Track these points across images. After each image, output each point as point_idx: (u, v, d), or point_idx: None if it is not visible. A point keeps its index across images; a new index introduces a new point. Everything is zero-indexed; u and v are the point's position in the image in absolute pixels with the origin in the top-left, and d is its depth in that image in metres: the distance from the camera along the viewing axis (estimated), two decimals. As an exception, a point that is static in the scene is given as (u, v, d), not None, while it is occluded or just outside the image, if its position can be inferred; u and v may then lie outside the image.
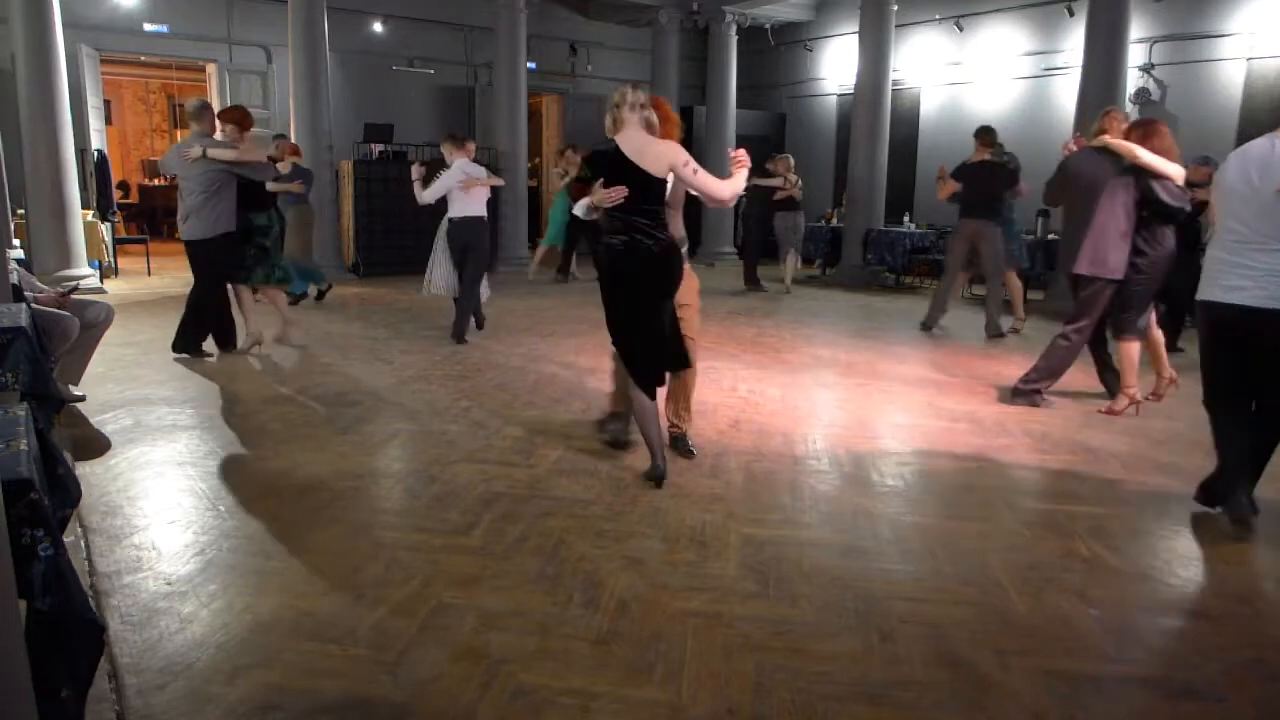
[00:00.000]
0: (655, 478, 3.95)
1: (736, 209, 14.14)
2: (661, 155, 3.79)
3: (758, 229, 11.00)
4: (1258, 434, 3.57)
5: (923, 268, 11.62)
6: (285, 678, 2.39)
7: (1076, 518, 3.67)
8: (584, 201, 4.03)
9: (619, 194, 3.76)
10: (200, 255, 6.28)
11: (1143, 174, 5.00)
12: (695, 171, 3.82)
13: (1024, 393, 5.53)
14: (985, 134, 8.11)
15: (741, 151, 4.02)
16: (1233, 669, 2.55)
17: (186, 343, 6.45)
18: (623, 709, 2.28)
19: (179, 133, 16.18)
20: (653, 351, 3.97)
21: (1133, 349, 5.32)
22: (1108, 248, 5.11)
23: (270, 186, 7.63)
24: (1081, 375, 6.39)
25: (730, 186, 3.93)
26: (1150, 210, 5.11)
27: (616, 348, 4.13)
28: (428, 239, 7.50)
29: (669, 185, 3.94)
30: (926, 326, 8.39)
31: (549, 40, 14.13)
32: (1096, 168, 5.17)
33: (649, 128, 3.88)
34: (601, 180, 3.86)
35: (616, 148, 3.84)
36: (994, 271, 8.10)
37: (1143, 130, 5.08)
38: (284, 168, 8.60)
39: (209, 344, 6.54)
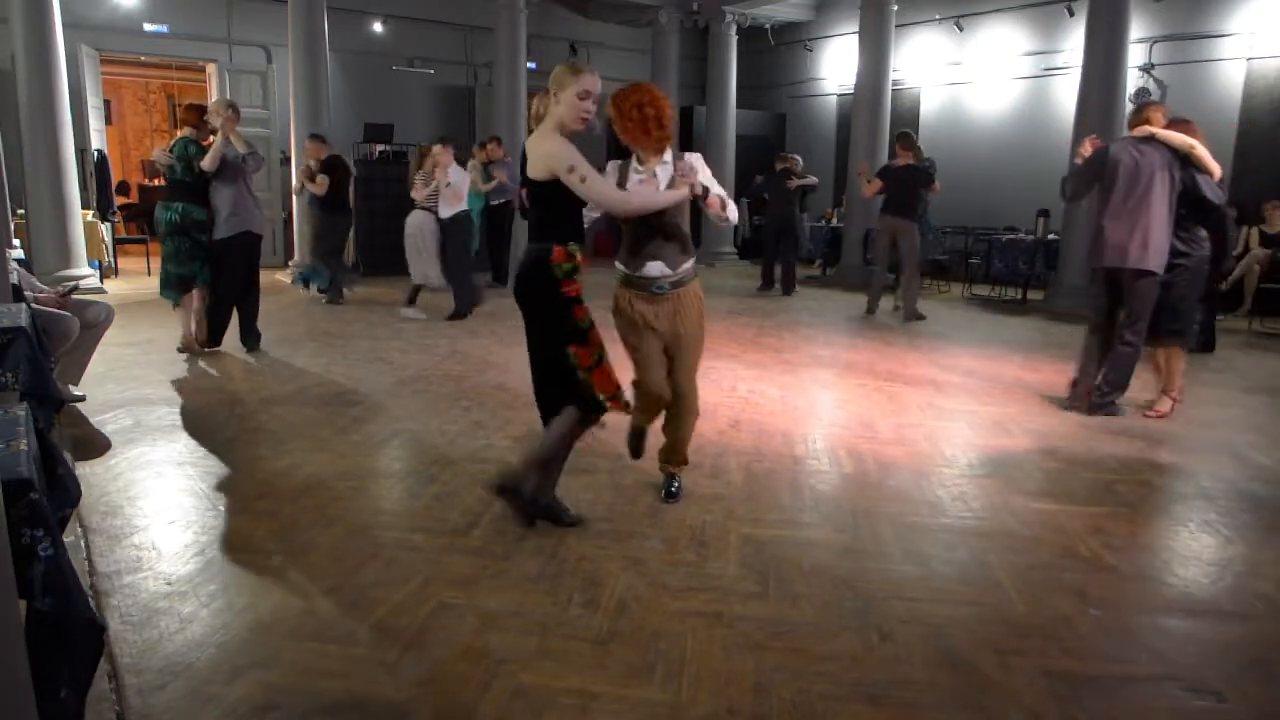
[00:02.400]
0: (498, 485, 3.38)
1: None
2: (540, 157, 3.19)
3: (789, 229, 10.84)
4: None
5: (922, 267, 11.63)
6: (285, 678, 2.39)
7: (1076, 518, 3.67)
8: None
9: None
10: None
11: (1189, 167, 4.97)
12: (583, 179, 3.13)
13: (1101, 405, 5.28)
14: (907, 139, 8.95)
15: (694, 164, 3.43)
16: (1233, 669, 2.55)
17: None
18: (623, 709, 2.28)
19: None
20: (537, 380, 3.38)
21: (1181, 354, 5.29)
22: (1161, 240, 5.02)
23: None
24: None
25: (637, 200, 3.34)
26: (1189, 207, 5.05)
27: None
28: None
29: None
30: (870, 311, 9.21)
31: (549, 40, 14.14)
32: (1142, 159, 5.05)
33: (536, 118, 3.26)
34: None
35: None
36: (911, 263, 8.89)
37: (1183, 127, 5.06)
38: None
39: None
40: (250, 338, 6.74)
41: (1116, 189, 5.08)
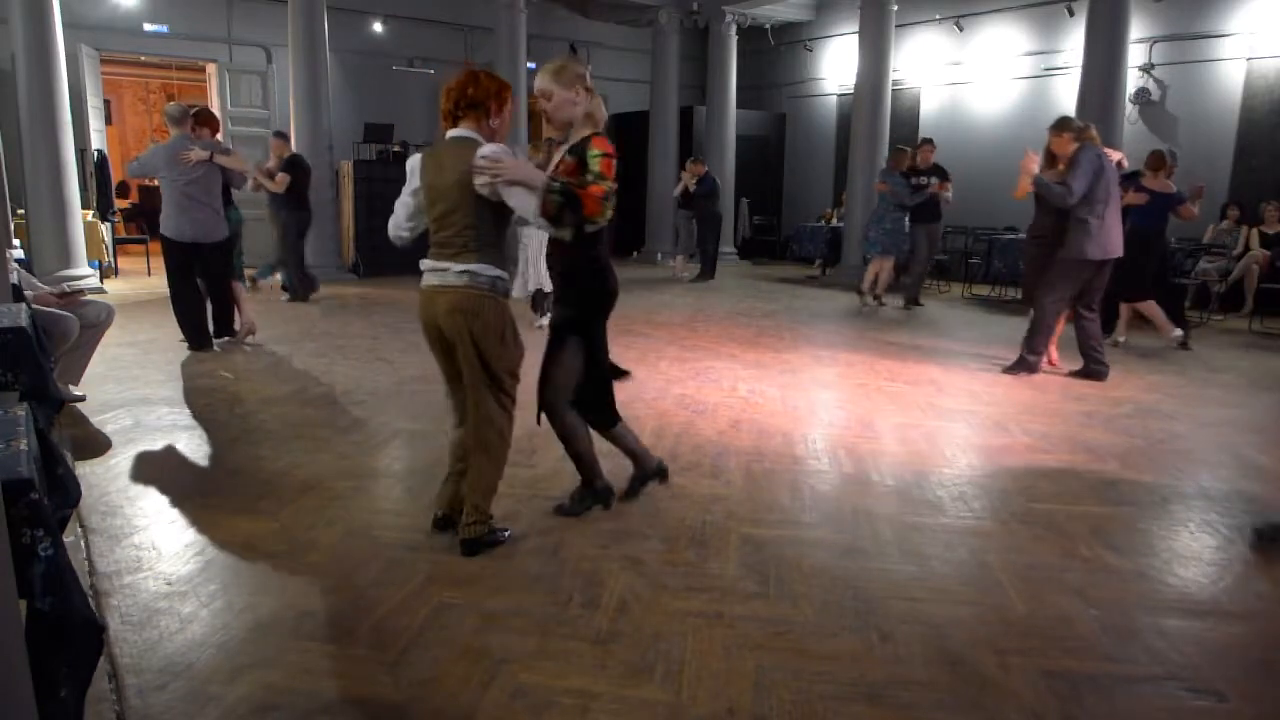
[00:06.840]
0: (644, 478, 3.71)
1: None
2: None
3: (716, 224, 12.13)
4: None
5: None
6: (285, 678, 2.39)
7: (1076, 518, 3.67)
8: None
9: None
10: (218, 254, 6.60)
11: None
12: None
13: (1095, 364, 6.22)
14: (906, 153, 9.97)
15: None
16: (1233, 669, 2.55)
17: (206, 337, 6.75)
18: (623, 709, 2.28)
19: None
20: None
21: None
22: None
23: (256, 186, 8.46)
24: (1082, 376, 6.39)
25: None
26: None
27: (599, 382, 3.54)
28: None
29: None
30: (915, 302, 9.98)
31: (549, 40, 14.13)
32: (1109, 165, 6.07)
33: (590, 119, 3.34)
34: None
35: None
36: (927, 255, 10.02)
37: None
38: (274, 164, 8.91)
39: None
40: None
41: (1112, 190, 6.03)
